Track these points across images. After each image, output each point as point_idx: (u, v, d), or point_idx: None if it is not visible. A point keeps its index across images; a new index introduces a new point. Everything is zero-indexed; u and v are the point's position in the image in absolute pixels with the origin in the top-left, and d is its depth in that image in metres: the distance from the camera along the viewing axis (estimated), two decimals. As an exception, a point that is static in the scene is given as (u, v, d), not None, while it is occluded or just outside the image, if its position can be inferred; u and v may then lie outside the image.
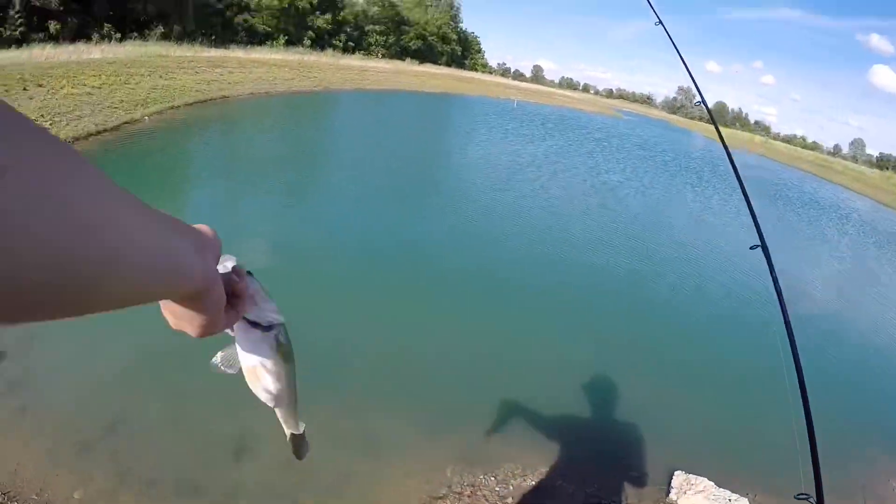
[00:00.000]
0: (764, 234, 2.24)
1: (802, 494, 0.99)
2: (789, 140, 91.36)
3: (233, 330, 0.70)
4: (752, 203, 2.39)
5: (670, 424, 4.44)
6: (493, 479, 3.60)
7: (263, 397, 0.77)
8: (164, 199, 7.97)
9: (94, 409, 3.49)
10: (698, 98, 2.80)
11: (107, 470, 3.11)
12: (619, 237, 9.29)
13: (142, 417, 3.53)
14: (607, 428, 4.34)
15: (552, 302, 6.25)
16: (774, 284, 1.95)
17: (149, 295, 0.44)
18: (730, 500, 3.47)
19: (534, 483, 3.62)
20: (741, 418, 4.76)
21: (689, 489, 3.54)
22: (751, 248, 2.21)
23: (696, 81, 2.91)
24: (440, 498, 3.39)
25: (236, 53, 25.17)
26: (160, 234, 0.43)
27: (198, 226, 0.55)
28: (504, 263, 7.15)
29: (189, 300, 0.52)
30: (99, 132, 9.45)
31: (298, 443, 1.00)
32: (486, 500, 3.41)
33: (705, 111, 2.78)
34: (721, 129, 3.26)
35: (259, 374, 0.74)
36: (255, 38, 31.43)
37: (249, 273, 0.67)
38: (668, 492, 3.62)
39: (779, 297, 1.90)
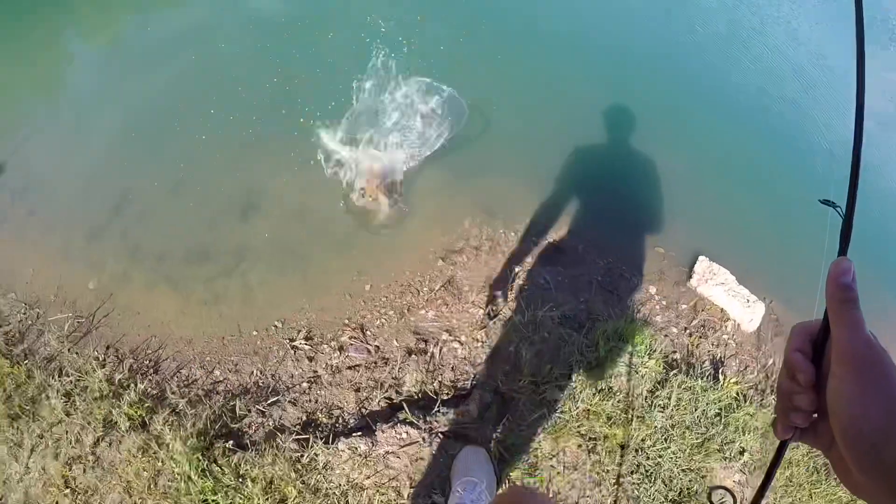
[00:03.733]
0: None
1: (828, 201, 0.66)
2: None
3: None
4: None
5: (702, 203, 3.74)
6: (513, 234, 3.11)
7: None
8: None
9: (96, 196, 3.30)
10: None
11: (117, 253, 3.05)
12: None
13: (145, 193, 3.30)
14: (637, 195, 3.65)
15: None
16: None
17: None
18: (748, 300, 3.09)
19: (554, 244, 3.15)
20: (779, 219, 3.82)
21: (711, 279, 3.17)
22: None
23: None
24: (457, 251, 2.99)
25: None
26: None
27: None
28: None
29: None
30: None
31: None
32: (504, 255, 2.98)
33: None
34: None
35: None
36: None
37: None
38: (690, 275, 3.21)
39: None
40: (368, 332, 2.70)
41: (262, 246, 3.04)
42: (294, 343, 2.69)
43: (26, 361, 2.61)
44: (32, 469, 2.34)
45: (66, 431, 2.39)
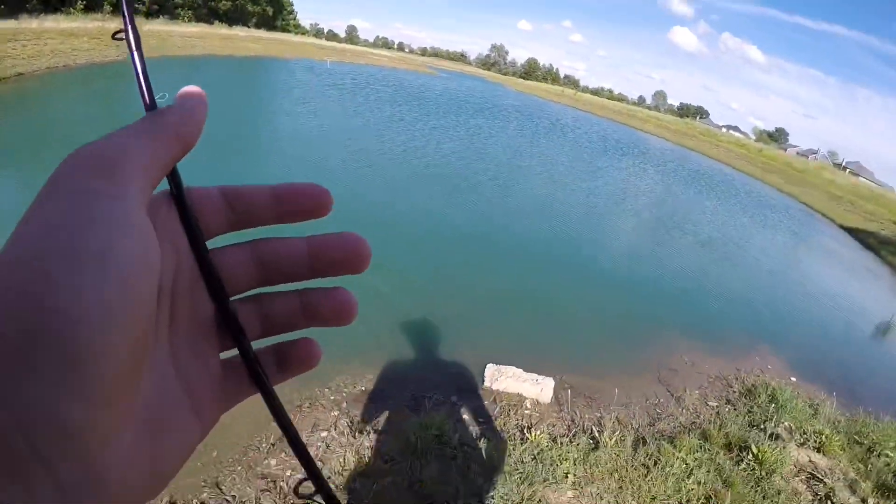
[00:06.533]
0: None
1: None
2: (597, 92, 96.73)
3: None
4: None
5: (481, 326, 5.02)
6: (327, 390, 4.03)
7: None
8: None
9: None
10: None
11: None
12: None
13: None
14: (423, 333, 4.79)
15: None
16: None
17: None
18: (536, 380, 4.11)
19: (363, 389, 4.13)
20: (540, 311, 5.75)
21: (500, 376, 4.08)
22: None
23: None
24: (285, 412, 3.51)
25: (30, 24, 21.65)
26: None
27: None
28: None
29: None
30: None
31: None
32: (324, 407, 3.85)
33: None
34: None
35: None
36: (50, 6, 26.99)
37: None
38: (483, 380, 4.14)
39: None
40: (223, 487, 2.97)
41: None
42: (158, 509, 2.81)
43: None
44: None
45: None
